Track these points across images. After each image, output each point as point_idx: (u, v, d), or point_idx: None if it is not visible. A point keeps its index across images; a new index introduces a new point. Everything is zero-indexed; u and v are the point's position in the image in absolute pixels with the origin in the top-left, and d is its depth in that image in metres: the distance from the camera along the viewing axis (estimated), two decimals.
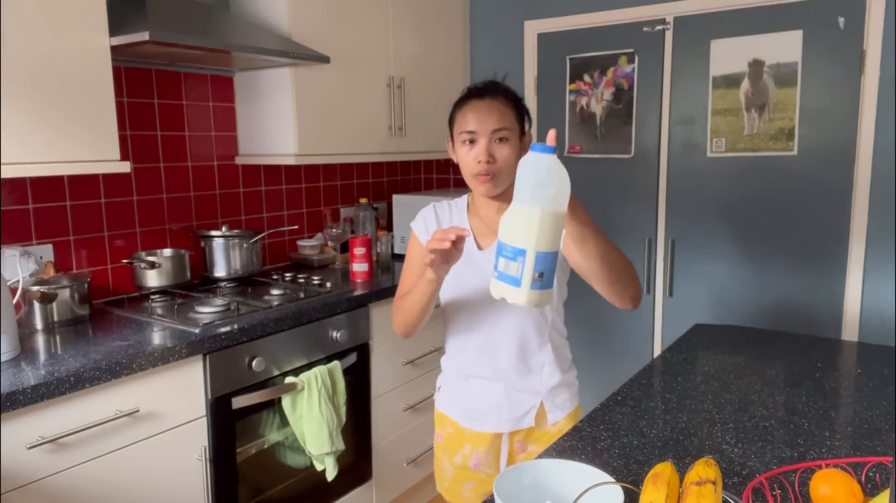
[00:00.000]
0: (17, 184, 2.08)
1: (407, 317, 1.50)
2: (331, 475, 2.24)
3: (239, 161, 2.75)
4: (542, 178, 1.02)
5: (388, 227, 3.34)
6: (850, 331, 2.66)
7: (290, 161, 2.57)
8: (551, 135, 1.09)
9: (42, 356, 1.75)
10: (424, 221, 1.59)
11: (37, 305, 1.98)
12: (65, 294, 2.02)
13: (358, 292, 2.44)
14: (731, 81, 2.78)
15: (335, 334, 2.31)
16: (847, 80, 2.56)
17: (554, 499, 0.97)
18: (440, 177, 3.71)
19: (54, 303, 2.00)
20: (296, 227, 3.01)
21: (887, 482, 1.04)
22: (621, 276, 1.30)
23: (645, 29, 2.93)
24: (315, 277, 2.57)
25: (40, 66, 1.76)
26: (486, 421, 1.58)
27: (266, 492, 2.16)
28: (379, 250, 2.87)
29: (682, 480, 0.89)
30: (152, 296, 2.29)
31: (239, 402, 2.00)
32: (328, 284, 2.50)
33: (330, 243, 3.04)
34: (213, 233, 2.59)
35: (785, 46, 2.65)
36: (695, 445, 1.22)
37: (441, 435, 1.67)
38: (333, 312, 2.30)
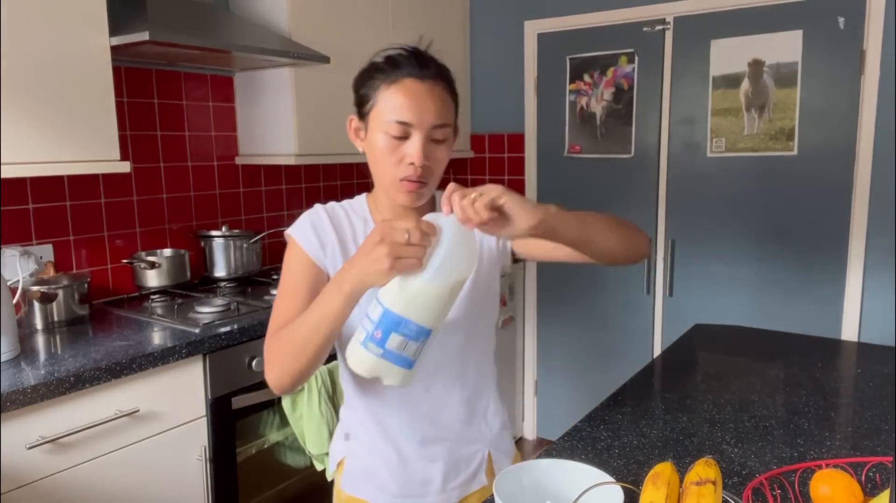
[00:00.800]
0: (17, 184, 2.08)
1: (300, 356, 1.02)
2: (331, 475, 2.23)
3: (239, 161, 2.75)
4: (457, 245, 0.88)
5: None
6: (850, 332, 2.66)
7: (290, 161, 2.57)
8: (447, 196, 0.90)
9: (42, 356, 1.75)
10: (313, 227, 1.16)
11: (37, 305, 1.98)
12: (65, 294, 2.02)
13: None
14: (731, 81, 2.78)
15: None
16: (847, 80, 2.56)
17: (554, 499, 0.97)
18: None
19: (54, 303, 2.00)
20: None
21: (887, 482, 1.04)
22: (620, 239, 1.10)
23: (645, 29, 2.93)
24: None
25: (40, 67, 1.76)
26: (427, 496, 1.22)
27: (266, 492, 2.16)
28: None
29: (682, 480, 0.89)
30: (152, 296, 2.29)
31: (239, 402, 2.00)
32: None
33: None
34: (213, 233, 2.59)
35: (785, 46, 2.65)
36: (695, 445, 1.22)
37: None
38: None
